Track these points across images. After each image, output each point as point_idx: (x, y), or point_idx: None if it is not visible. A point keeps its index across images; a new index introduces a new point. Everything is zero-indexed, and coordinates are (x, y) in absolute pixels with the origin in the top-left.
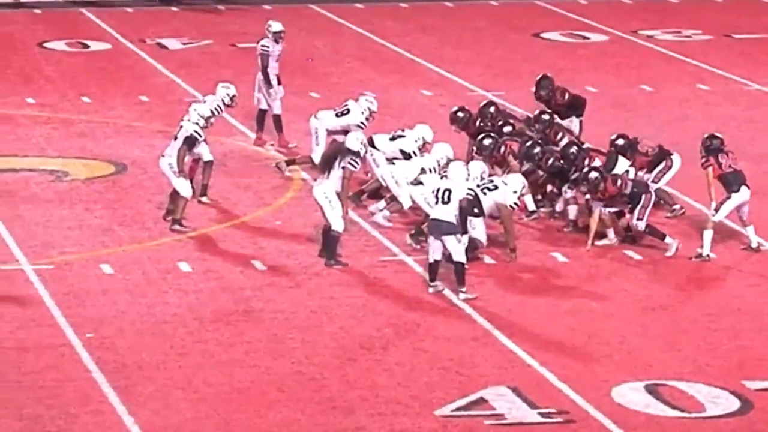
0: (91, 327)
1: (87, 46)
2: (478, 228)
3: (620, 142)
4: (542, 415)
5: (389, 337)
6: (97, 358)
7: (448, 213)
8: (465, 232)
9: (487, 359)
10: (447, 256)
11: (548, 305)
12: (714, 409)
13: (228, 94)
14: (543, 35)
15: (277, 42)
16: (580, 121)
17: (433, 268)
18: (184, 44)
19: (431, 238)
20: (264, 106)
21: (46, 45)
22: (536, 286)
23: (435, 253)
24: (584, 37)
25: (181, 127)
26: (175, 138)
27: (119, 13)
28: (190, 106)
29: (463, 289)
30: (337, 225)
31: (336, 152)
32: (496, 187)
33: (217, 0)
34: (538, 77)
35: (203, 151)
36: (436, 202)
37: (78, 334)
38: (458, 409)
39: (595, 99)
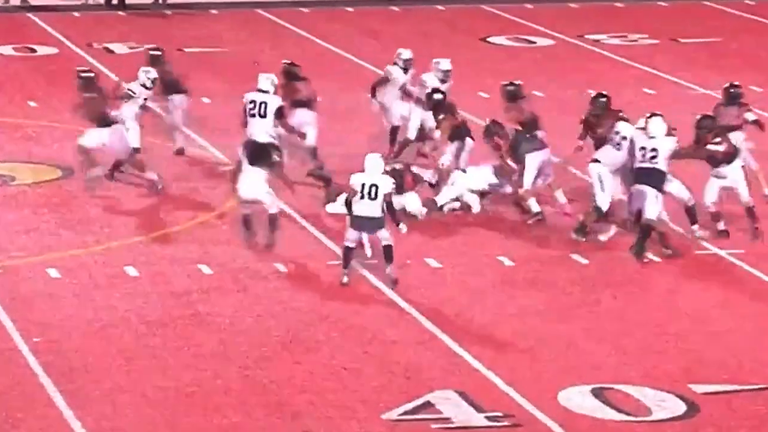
0: (37, 331)
1: (34, 51)
2: (412, 202)
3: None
4: (489, 419)
5: (336, 341)
6: (43, 362)
7: (374, 209)
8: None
9: (433, 363)
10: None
11: (495, 308)
12: (660, 412)
13: (149, 78)
14: (489, 39)
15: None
16: None
17: (348, 255)
18: (130, 48)
19: (354, 231)
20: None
21: None
22: (483, 289)
23: (351, 241)
24: (530, 42)
25: None
26: None
27: (66, 18)
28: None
29: (390, 266)
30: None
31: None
32: None
33: (163, 5)
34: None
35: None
36: (362, 198)
37: (25, 338)
38: (405, 413)
39: (541, 102)
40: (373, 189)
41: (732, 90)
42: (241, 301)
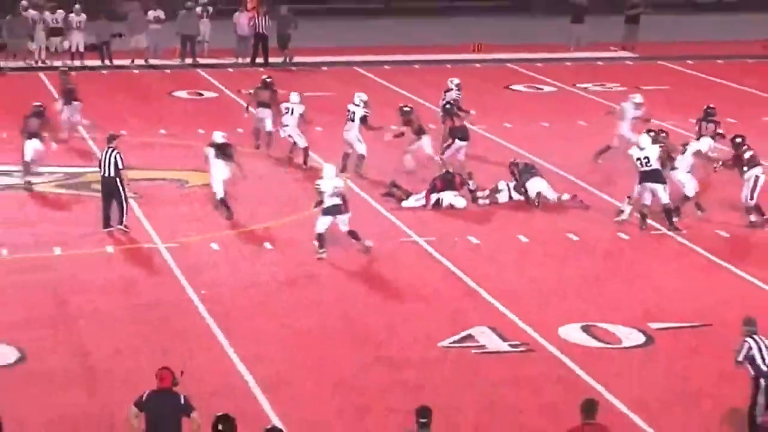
0: (204, 287)
1: (201, 95)
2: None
3: None
4: (511, 346)
5: (408, 293)
6: (208, 308)
7: (337, 200)
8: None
9: (473, 308)
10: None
11: (516, 271)
12: (628, 342)
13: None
14: (512, 87)
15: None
16: None
17: (322, 238)
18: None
19: (329, 217)
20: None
21: (173, 93)
22: (507, 258)
23: (323, 227)
24: (539, 89)
25: None
26: None
27: (223, 72)
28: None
29: (362, 241)
30: None
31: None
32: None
33: (290, 63)
34: None
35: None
36: (330, 196)
37: (195, 292)
38: (454, 342)
39: (547, 131)
40: (335, 188)
41: (708, 110)
42: (342, 266)
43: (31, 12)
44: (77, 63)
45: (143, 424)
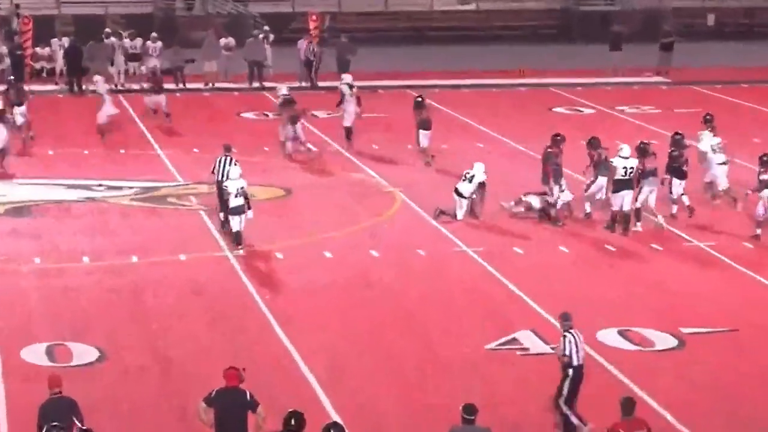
0: (269, 292)
1: (267, 115)
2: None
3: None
4: (553, 348)
5: (457, 297)
6: (272, 309)
7: (240, 201)
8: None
9: (517, 312)
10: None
11: (556, 278)
12: (661, 345)
13: None
14: (554, 109)
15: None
16: None
17: (239, 236)
18: (327, 114)
19: (237, 216)
20: None
21: (241, 115)
22: (549, 266)
23: (239, 225)
24: (579, 111)
25: None
26: None
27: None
28: None
29: (241, 247)
30: None
31: None
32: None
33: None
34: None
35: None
36: (236, 196)
37: (260, 296)
38: (500, 344)
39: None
40: (240, 189)
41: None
42: (397, 273)
43: (112, 39)
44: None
45: (212, 419)
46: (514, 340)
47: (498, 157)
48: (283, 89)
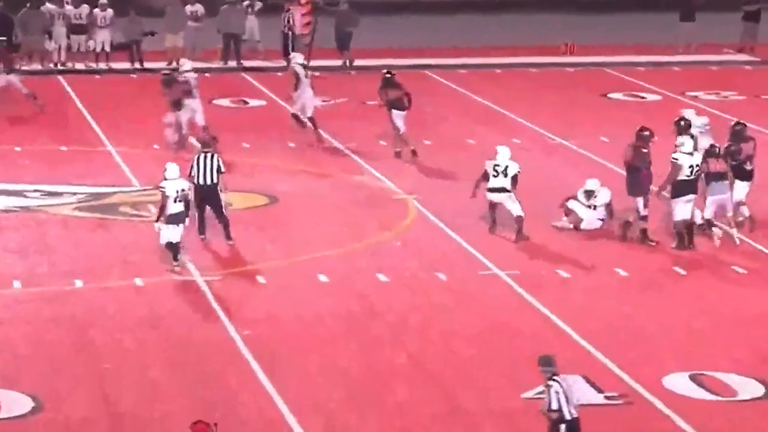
0: (247, 325)
1: (246, 102)
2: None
3: None
4: (607, 398)
5: (485, 334)
6: (252, 349)
7: (181, 207)
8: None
9: (562, 351)
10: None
11: (611, 308)
12: (744, 394)
13: None
14: (609, 95)
15: None
16: None
17: (172, 247)
18: (323, 102)
19: (177, 227)
20: None
21: (214, 101)
22: (601, 293)
23: (177, 237)
24: (641, 97)
25: None
26: None
27: (272, 77)
28: None
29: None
30: None
31: None
32: None
33: (350, 67)
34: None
35: None
36: (175, 201)
37: (237, 330)
38: (539, 393)
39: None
40: (181, 192)
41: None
42: (411, 302)
43: (50, 6)
44: (102, 65)
45: None
46: None
47: (538, 155)
48: (185, 65)
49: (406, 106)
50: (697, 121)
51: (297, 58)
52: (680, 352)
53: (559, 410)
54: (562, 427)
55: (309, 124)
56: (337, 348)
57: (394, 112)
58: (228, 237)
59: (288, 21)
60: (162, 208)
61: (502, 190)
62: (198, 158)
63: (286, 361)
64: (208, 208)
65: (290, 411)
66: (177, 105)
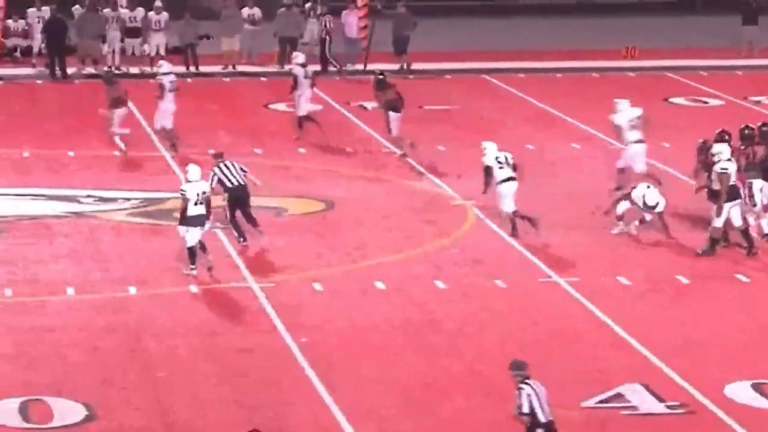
0: (304, 333)
1: None
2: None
3: None
4: (668, 407)
5: (545, 342)
6: (308, 357)
7: (202, 209)
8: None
9: (622, 360)
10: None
11: (671, 316)
12: None
13: None
14: (671, 100)
15: None
16: None
17: (193, 252)
18: (372, 107)
19: (197, 229)
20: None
21: (270, 106)
22: (661, 302)
23: (195, 240)
24: (704, 102)
25: None
26: None
27: (331, 81)
28: None
29: (192, 267)
30: None
31: None
32: None
33: (407, 71)
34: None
35: None
36: (196, 203)
37: (293, 338)
38: (600, 401)
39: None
40: (202, 194)
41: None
42: (469, 310)
43: (104, 9)
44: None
45: None
46: (619, 395)
47: (601, 161)
48: (163, 67)
49: (401, 107)
50: (630, 114)
51: (298, 58)
52: (742, 360)
53: (532, 413)
54: (539, 431)
55: (312, 123)
56: (393, 355)
57: (392, 114)
58: (255, 226)
59: (325, 25)
60: (183, 211)
61: (512, 179)
62: (219, 168)
63: (341, 369)
64: (238, 212)
65: (345, 419)
66: (117, 103)
